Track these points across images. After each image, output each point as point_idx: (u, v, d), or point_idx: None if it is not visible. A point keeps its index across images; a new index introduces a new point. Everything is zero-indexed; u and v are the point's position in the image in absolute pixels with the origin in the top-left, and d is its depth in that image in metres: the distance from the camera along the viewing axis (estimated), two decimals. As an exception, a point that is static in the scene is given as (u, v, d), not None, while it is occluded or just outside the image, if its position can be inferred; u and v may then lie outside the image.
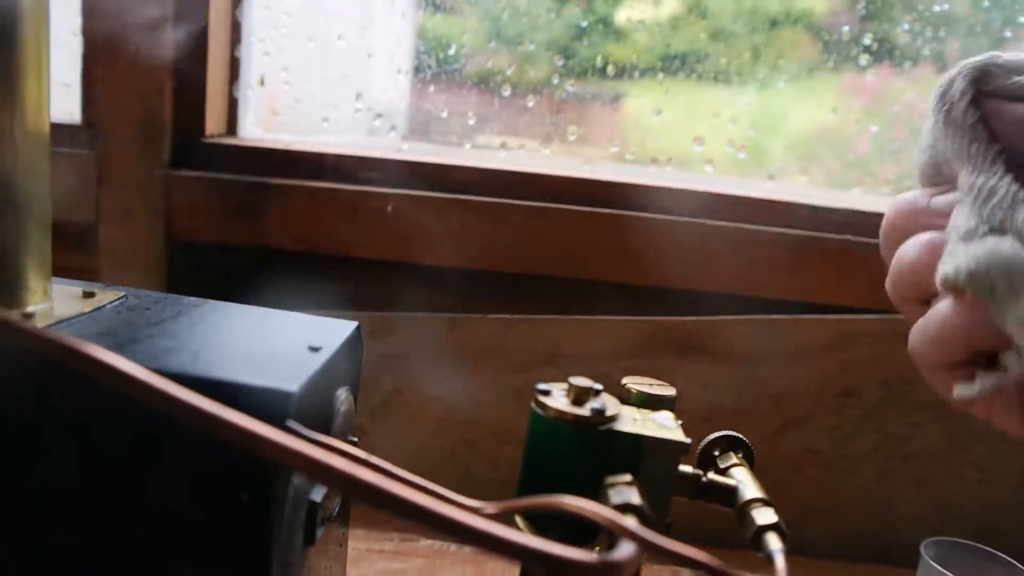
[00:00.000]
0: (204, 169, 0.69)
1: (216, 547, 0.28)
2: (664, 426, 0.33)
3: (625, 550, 0.24)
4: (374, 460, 0.27)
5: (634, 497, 0.29)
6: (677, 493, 0.33)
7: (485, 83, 0.75)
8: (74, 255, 0.69)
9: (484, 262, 0.67)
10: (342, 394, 0.36)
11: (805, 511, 0.68)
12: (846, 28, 0.73)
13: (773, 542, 0.30)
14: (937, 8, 0.72)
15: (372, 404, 0.66)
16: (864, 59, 0.72)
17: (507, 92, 0.75)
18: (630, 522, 0.25)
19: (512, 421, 0.66)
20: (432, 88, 0.76)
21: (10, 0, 0.30)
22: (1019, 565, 0.49)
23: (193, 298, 0.39)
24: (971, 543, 0.50)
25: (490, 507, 0.27)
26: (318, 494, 0.30)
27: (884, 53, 0.72)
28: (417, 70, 0.76)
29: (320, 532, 0.31)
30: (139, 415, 0.28)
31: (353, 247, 0.67)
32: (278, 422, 0.27)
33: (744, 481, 0.34)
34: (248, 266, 0.69)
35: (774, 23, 0.74)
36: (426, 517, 0.22)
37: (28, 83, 0.32)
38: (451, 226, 0.66)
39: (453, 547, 0.59)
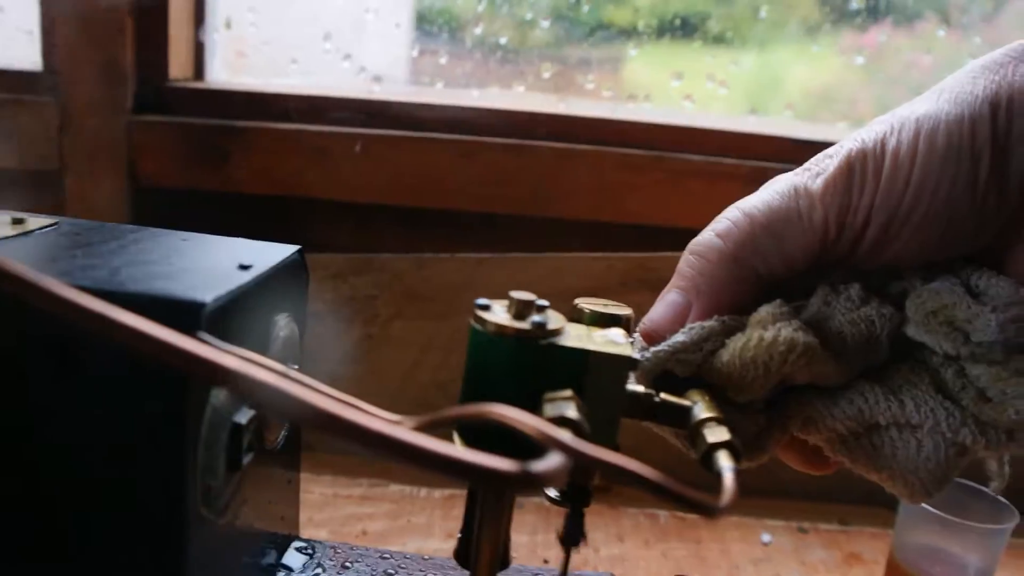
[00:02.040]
0: (169, 114, 0.68)
1: (131, 463, 0.26)
2: (613, 341, 0.31)
3: (551, 460, 0.22)
4: (293, 373, 0.26)
5: (570, 411, 0.27)
6: (627, 414, 0.31)
7: (482, 47, 0.73)
8: (39, 203, 0.67)
9: (454, 201, 0.65)
10: (281, 320, 0.35)
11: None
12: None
13: (723, 459, 0.28)
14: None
15: (344, 348, 0.65)
16: (863, 18, 0.70)
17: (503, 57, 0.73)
18: (563, 434, 0.24)
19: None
20: (431, 53, 0.74)
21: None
22: (1004, 500, 0.48)
23: (132, 226, 0.37)
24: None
25: (411, 420, 0.25)
26: (243, 416, 0.29)
27: (885, 10, 0.70)
28: (417, 37, 0.74)
29: (247, 458, 0.30)
30: (53, 324, 0.26)
31: (321, 189, 0.66)
32: (189, 334, 0.25)
33: (700, 401, 0.32)
34: (215, 211, 0.67)
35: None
36: (340, 427, 0.21)
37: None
38: (421, 166, 0.65)
39: (423, 492, 0.58)
